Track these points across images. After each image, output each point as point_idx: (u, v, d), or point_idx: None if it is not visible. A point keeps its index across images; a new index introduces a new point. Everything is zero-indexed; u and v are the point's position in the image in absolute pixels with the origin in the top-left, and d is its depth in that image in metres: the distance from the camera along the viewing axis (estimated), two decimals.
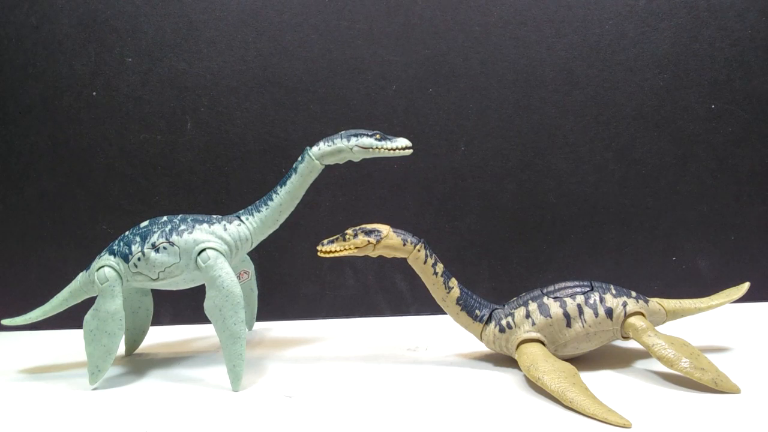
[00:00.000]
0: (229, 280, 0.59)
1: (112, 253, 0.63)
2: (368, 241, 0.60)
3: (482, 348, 0.67)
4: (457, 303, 0.62)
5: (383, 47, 0.89)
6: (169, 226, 0.62)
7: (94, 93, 0.90)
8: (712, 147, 0.89)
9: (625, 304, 0.60)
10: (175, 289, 0.65)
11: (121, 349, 0.72)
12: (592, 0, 0.88)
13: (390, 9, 0.89)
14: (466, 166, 0.90)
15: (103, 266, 0.62)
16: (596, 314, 0.59)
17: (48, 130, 0.90)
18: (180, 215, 0.64)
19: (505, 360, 0.64)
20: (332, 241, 0.61)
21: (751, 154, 0.89)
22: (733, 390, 0.52)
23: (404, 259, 0.62)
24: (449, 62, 0.89)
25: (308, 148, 0.63)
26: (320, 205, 0.91)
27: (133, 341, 0.74)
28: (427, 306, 0.88)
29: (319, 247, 0.61)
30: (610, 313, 0.59)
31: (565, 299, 0.60)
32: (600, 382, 0.56)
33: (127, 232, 0.64)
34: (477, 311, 0.62)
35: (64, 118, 0.90)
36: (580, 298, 0.60)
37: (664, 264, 0.91)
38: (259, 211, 0.65)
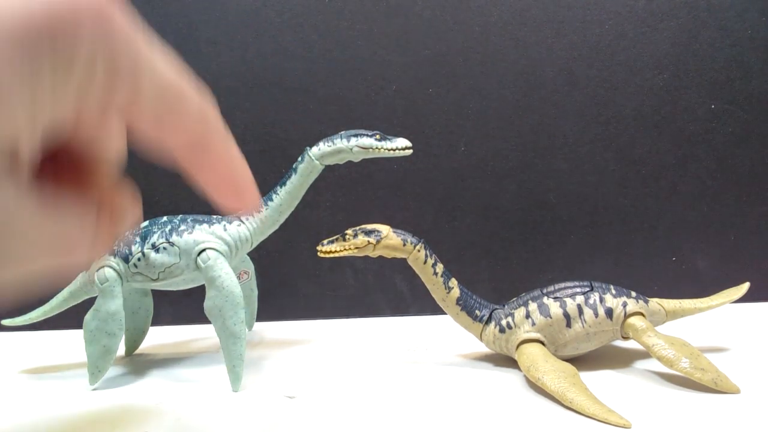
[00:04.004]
0: (229, 281, 0.59)
1: (112, 253, 0.63)
2: (368, 241, 0.60)
3: (482, 348, 0.67)
4: (457, 303, 0.62)
5: (383, 47, 0.89)
6: (169, 227, 0.62)
7: None
8: (712, 147, 0.89)
9: (625, 305, 0.60)
10: (175, 289, 0.65)
11: (121, 349, 0.72)
12: (592, 0, 0.88)
13: (390, 9, 0.89)
14: (466, 166, 0.90)
15: (103, 266, 0.62)
16: (596, 314, 0.59)
17: None
18: (180, 215, 0.64)
19: (505, 360, 0.64)
20: (332, 242, 0.60)
21: (751, 154, 0.89)
22: (733, 390, 0.52)
23: (404, 260, 0.62)
24: (449, 62, 0.89)
25: (308, 148, 0.63)
26: (320, 205, 0.90)
27: (133, 341, 0.74)
28: (427, 306, 0.88)
29: (319, 247, 0.61)
30: (610, 313, 0.59)
31: (565, 299, 0.60)
32: (600, 382, 0.55)
33: (126, 233, 0.64)
34: (477, 311, 0.62)
35: None
36: (580, 299, 0.60)
37: (664, 264, 0.91)
38: (259, 212, 0.65)
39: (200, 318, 0.65)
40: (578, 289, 0.60)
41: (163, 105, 0.26)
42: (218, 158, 0.29)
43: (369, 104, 0.90)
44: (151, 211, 0.88)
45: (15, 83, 0.20)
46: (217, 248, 0.61)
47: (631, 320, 0.59)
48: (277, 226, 0.66)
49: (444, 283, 0.62)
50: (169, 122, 0.27)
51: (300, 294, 0.92)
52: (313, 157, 0.62)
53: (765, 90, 0.88)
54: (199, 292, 0.64)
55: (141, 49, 0.25)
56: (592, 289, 0.60)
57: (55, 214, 0.24)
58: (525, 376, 0.57)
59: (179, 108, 0.27)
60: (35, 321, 0.70)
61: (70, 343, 0.80)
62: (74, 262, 0.26)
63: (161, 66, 0.26)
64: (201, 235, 0.62)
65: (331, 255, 0.60)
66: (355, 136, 0.62)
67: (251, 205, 0.31)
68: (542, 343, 0.59)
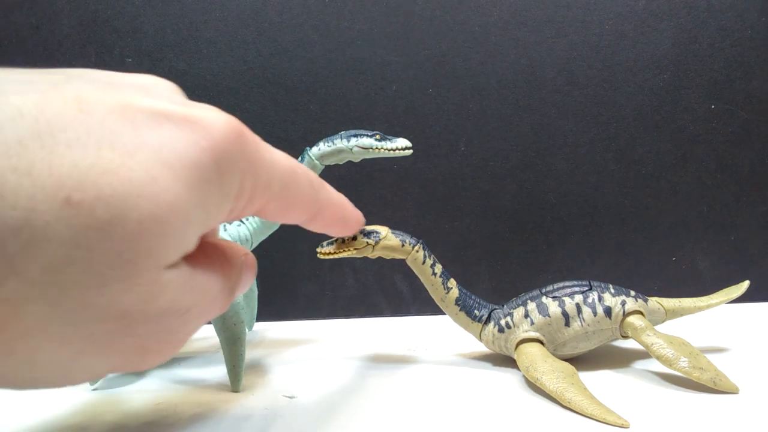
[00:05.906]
0: None
1: None
2: (367, 242, 0.60)
3: (482, 348, 0.67)
4: (456, 303, 0.62)
5: (383, 47, 0.89)
6: None
7: None
8: (712, 147, 0.89)
9: (623, 303, 0.60)
10: None
11: None
12: (592, 0, 0.88)
13: (390, 9, 0.89)
14: (466, 166, 0.90)
15: None
16: (595, 313, 0.59)
17: None
18: None
19: (504, 360, 0.64)
20: (331, 243, 0.60)
21: (751, 154, 0.89)
22: (732, 390, 0.52)
23: (404, 260, 0.62)
24: (449, 62, 0.89)
25: (308, 148, 0.63)
26: None
27: None
28: (427, 306, 0.88)
29: (318, 249, 0.61)
30: (608, 311, 0.59)
31: (564, 298, 0.60)
32: (599, 382, 0.56)
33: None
34: (476, 311, 0.62)
35: None
36: (578, 298, 0.60)
37: (664, 264, 0.91)
38: None
39: None
40: (577, 289, 0.61)
41: (287, 193, 0.31)
42: (328, 215, 0.36)
43: (369, 104, 0.90)
44: None
45: (195, 210, 0.25)
46: None
47: (630, 319, 0.59)
48: (277, 226, 0.66)
49: (443, 284, 0.62)
50: (292, 207, 0.32)
51: (300, 294, 0.92)
52: (313, 157, 0.62)
53: (765, 90, 0.88)
54: None
55: (266, 154, 0.29)
56: (590, 288, 0.60)
57: (202, 280, 0.28)
58: (524, 376, 0.57)
59: (297, 191, 0.32)
60: None
61: None
62: (215, 314, 0.30)
63: (279, 158, 0.31)
64: None
65: (331, 256, 0.60)
66: (355, 136, 0.62)
67: (358, 226, 0.40)
68: (541, 342, 0.59)
